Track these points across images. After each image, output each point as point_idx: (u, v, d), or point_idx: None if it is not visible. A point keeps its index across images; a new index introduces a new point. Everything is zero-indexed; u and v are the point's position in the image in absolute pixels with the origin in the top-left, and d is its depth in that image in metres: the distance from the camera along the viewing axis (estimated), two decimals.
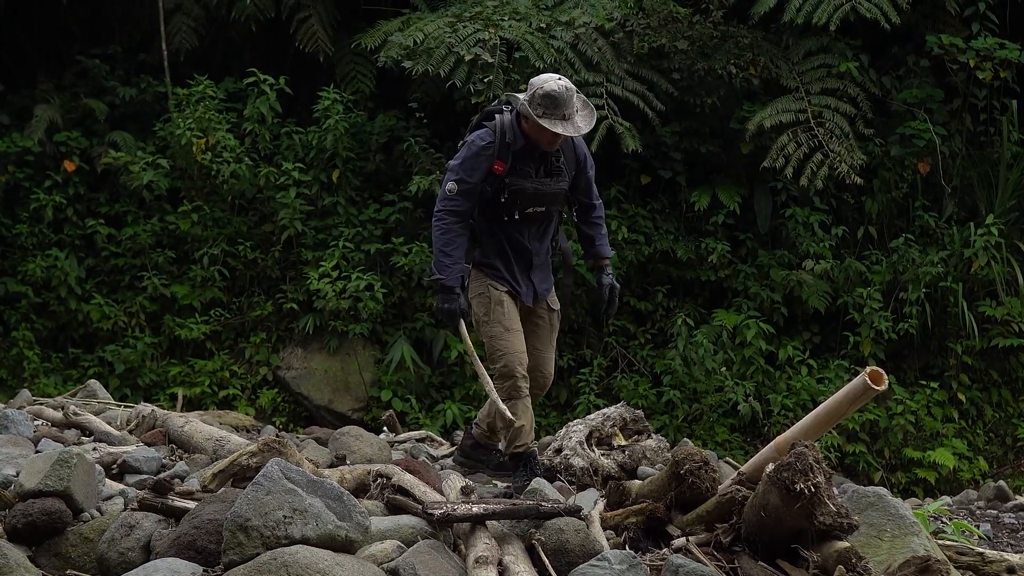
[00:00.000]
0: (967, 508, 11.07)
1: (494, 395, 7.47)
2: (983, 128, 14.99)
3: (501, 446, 8.13)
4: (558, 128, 7.12)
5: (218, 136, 15.02)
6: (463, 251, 7.34)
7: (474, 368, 7.80)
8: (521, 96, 7.28)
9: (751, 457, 13.76)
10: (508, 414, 7.44)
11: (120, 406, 11.17)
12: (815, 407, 14.21)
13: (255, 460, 6.97)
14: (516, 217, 7.38)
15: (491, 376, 7.29)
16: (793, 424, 13.84)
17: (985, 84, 14.60)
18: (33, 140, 15.36)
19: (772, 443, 6.40)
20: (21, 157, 15.42)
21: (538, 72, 13.89)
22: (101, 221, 15.36)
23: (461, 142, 7.50)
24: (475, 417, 8.58)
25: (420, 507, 6.53)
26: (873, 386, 5.89)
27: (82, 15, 16.97)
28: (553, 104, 7.11)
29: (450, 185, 7.29)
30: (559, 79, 7.23)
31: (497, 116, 7.37)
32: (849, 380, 13.79)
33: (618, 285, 7.83)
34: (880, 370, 5.95)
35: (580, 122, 7.22)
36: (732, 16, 14.66)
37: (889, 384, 6.26)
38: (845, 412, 6.23)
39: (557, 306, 7.76)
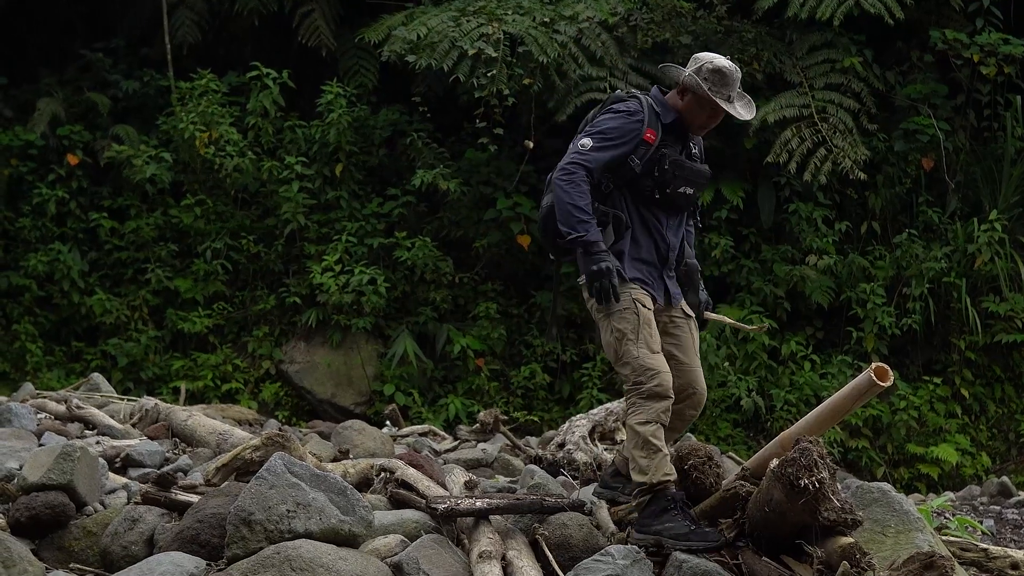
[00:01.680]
0: (970, 504, 11.08)
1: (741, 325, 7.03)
2: (987, 124, 14.96)
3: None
4: (733, 110, 6.46)
5: (221, 130, 15.02)
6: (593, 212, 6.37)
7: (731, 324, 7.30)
8: (685, 69, 6.52)
9: (754, 452, 13.79)
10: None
11: (123, 400, 11.18)
12: (818, 402, 14.20)
13: (258, 454, 6.98)
14: (667, 193, 6.47)
15: (641, 396, 6.23)
16: (796, 420, 13.88)
17: (989, 79, 14.57)
18: (36, 134, 15.39)
19: (776, 439, 6.37)
20: (24, 151, 15.44)
21: (541, 67, 14.00)
22: (104, 215, 15.37)
23: (586, 121, 6.62)
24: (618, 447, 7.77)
25: (424, 501, 6.54)
26: (879, 382, 5.84)
27: (85, 9, 17.00)
28: (722, 81, 6.44)
29: (584, 140, 6.36)
30: (727, 57, 6.60)
31: (638, 98, 6.53)
32: (852, 376, 13.79)
33: (710, 301, 7.03)
34: (885, 366, 5.89)
35: (742, 108, 6.55)
36: (736, 11, 14.64)
37: (893, 380, 6.18)
38: (850, 408, 6.18)
39: (692, 313, 6.76)
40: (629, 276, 6.35)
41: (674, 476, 6.23)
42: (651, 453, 6.18)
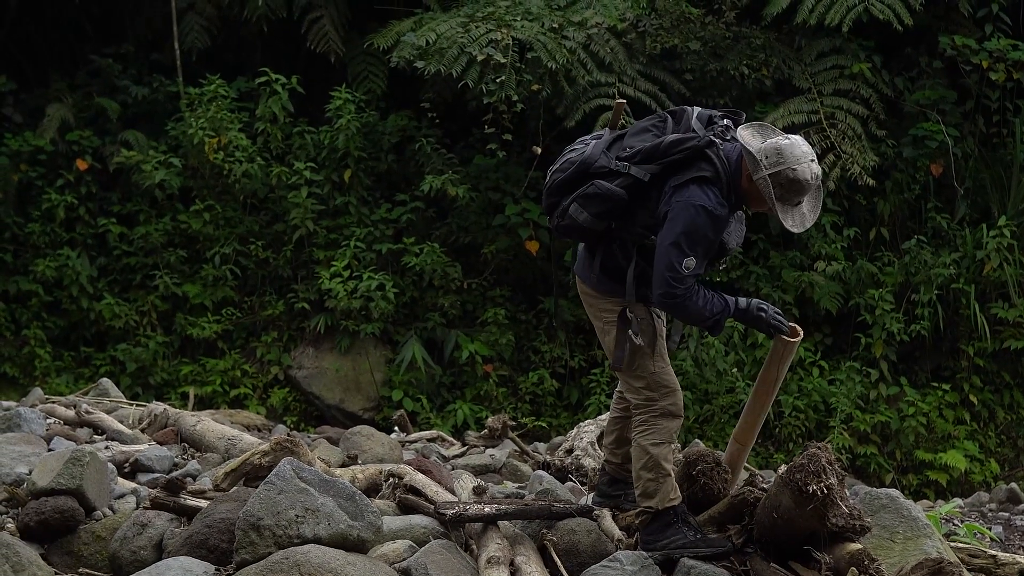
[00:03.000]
0: (978, 510, 11.06)
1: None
2: (996, 130, 14.95)
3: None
4: (788, 221, 5.99)
5: (230, 135, 15.04)
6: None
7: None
8: (762, 159, 5.91)
9: (762, 459, 13.80)
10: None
11: (132, 405, 11.18)
12: (827, 409, 14.22)
13: (267, 459, 6.99)
14: (716, 266, 6.33)
15: (653, 415, 6.19)
16: (804, 427, 13.87)
17: (998, 85, 14.56)
18: (45, 139, 15.40)
19: (731, 436, 6.57)
20: (33, 156, 15.45)
21: (550, 73, 13.99)
22: (113, 220, 15.39)
23: (676, 195, 5.97)
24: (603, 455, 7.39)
25: (432, 507, 6.54)
26: (790, 339, 6.12)
27: (95, 14, 17.00)
28: (796, 191, 5.94)
29: (688, 261, 5.87)
30: (813, 159, 5.97)
31: (715, 164, 6.00)
32: (861, 383, 13.77)
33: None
34: (794, 325, 6.18)
35: (801, 219, 6.06)
36: (744, 17, 14.64)
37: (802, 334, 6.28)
38: (776, 375, 6.30)
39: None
40: (640, 295, 6.20)
41: (679, 499, 6.18)
42: (660, 477, 6.14)
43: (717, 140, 6.06)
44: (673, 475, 6.19)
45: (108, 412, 10.29)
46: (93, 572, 6.43)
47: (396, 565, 5.88)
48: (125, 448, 8.57)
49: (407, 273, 14.87)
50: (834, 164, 13.79)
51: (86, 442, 8.87)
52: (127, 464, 8.15)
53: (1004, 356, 14.34)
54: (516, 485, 8.73)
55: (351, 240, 14.83)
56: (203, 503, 6.60)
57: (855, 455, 13.81)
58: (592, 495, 6.88)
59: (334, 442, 10.53)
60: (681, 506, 6.16)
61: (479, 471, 9.52)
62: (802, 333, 6.18)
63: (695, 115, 6.22)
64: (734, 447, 6.56)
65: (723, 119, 6.22)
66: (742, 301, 6.14)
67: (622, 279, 6.21)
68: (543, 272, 15.13)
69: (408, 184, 15.43)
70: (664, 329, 6.32)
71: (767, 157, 5.90)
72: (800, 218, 6.02)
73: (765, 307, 6.14)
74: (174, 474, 7.70)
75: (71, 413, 10.00)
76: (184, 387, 14.53)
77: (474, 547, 6.23)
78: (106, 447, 8.59)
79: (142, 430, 9.83)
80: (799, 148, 5.93)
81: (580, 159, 6.30)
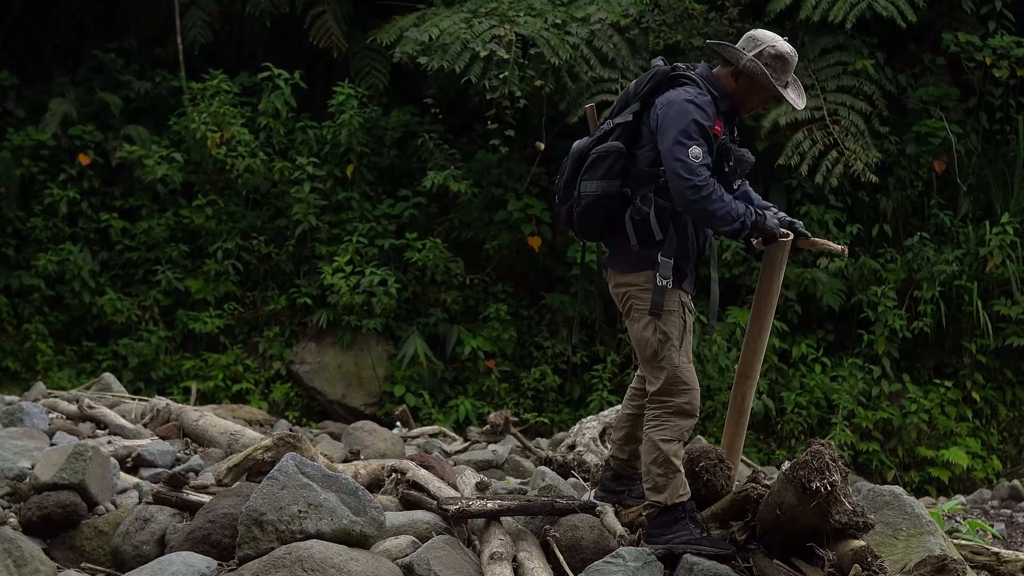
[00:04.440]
0: (981, 507, 11.08)
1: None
2: (999, 126, 14.93)
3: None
4: (790, 95, 6.18)
5: (233, 130, 15.04)
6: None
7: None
8: (745, 51, 6.14)
9: (764, 455, 13.79)
10: None
11: (134, 400, 11.20)
12: (829, 406, 14.22)
13: (270, 454, 6.99)
14: (731, 187, 6.24)
15: (668, 411, 6.11)
16: (806, 423, 13.87)
17: (1001, 82, 14.55)
18: (48, 134, 15.41)
19: (736, 374, 6.62)
20: (36, 151, 15.47)
21: (553, 69, 14.00)
22: (115, 215, 15.40)
23: (659, 105, 6.09)
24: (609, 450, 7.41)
25: (435, 503, 6.54)
26: (784, 239, 6.25)
27: (97, 10, 17.03)
28: (783, 68, 6.14)
29: (695, 150, 5.90)
30: (785, 38, 6.24)
31: (693, 76, 6.15)
32: (863, 379, 13.75)
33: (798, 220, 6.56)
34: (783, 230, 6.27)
35: (796, 95, 6.26)
36: (748, 13, 14.63)
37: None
38: (776, 287, 6.53)
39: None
40: (678, 280, 6.18)
41: (688, 495, 6.15)
42: (670, 472, 6.11)
43: (681, 67, 6.24)
44: (683, 472, 6.16)
45: (110, 407, 10.31)
46: (96, 567, 6.44)
47: (399, 561, 5.87)
48: (127, 443, 8.58)
49: (409, 268, 14.87)
50: (837, 161, 13.79)
51: (88, 437, 8.88)
52: (129, 459, 8.16)
53: (1006, 353, 14.33)
54: (518, 481, 8.73)
55: (353, 235, 14.83)
56: (206, 498, 6.60)
57: (857, 452, 13.80)
58: (595, 491, 6.87)
59: (336, 437, 10.56)
60: (690, 503, 6.14)
61: (481, 467, 9.53)
62: (790, 234, 6.28)
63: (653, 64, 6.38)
64: (742, 385, 6.49)
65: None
66: (761, 215, 6.19)
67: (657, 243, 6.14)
68: (545, 268, 15.13)
69: (410, 180, 15.43)
70: (691, 325, 6.27)
71: (744, 45, 6.16)
72: (799, 93, 6.24)
73: (771, 211, 6.32)
74: (176, 469, 7.70)
75: (73, 408, 10.02)
76: (186, 382, 14.53)
77: (477, 543, 6.23)
78: (108, 442, 8.60)
79: (144, 425, 9.84)
80: (767, 31, 6.26)
81: (570, 153, 6.37)
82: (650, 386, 6.20)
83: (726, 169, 6.19)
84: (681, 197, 5.95)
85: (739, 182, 6.45)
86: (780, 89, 6.13)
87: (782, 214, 6.46)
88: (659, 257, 6.09)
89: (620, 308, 6.38)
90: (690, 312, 6.25)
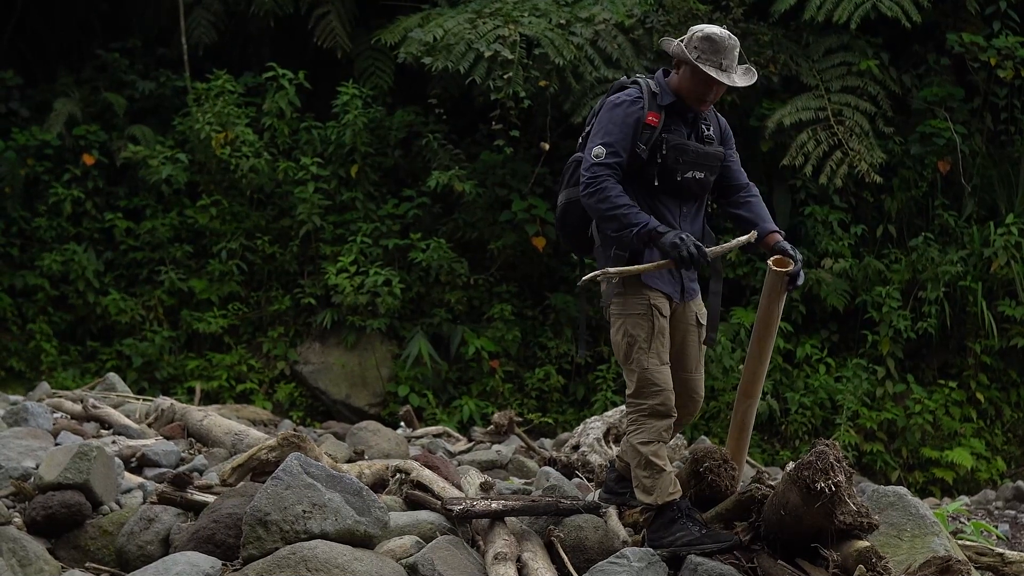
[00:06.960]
0: (985, 508, 11.07)
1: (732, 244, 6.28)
2: (1003, 127, 14.92)
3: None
4: (715, 74, 6.12)
5: (237, 131, 15.05)
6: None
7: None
8: (674, 41, 6.31)
9: (768, 455, 13.78)
10: None
11: (139, 399, 11.21)
12: (833, 406, 14.17)
13: (274, 455, 7.00)
14: (677, 180, 6.21)
15: (642, 414, 6.13)
16: (811, 424, 13.85)
17: (1006, 83, 14.53)
18: (52, 134, 15.42)
19: (738, 393, 6.59)
20: (40, 151, 15.48)
21: (557, 69, 14.00)
22: (119, 215, 15.41)
23: (593, 113, 6.45)
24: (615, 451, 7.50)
25: (439, 503, 6.54)
26: (780, 269, 6.18)
27: (102, 9, 17.05)
28: (712, 49, 6.15)
29: (596, 149, 6.11)
30: (722, 27, 6.33)
31: (639, 79, 6.39)
32: (868, 379, 13.73)
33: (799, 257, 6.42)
34: (780, 257, 6.23)
35: (738, 77, 6.23)
36: (752, 13, 14.61)
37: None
38: (775, 308, 6.36)
39: (704, 320, 6.50)
40: (653, 282, 6.19)
41: (679, 493, 6.14)
42: (654, 473, 6.11)
43: (642, 76, 6.45)
44: (671, 471, 6.16)
45: (115, 407, 10.33)
46: (100, 567, 6.43)
47: (403, 561, 5.87)
48: (132, 443, 8.59)
49: (413, 269, 14.88)
50: (841, 161, 13.78)
51: (93, 436, 8.89)
52: (134, 459, 8.17)
53: (1011, 354, 14.32)
54: (522, 481, 8.74)
55: (357, 235, 14.83)
56: (210, 498, 6.60)
57: (861, 452, 13.79)
58: (599, 491, 6.88)
59: (340, 437, 10.56)
60: (683, 501, 6.13)
61: (485, 467, 9.53)
62: (791, 264, 6.23)
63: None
64: (743, 403, 6.50)
65: None
66: (660, 226, 6.07)
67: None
68: (550, 268, 15.13)
69: (415, 180, 15.45)
70: (666, 327, 6.23)
71: (680, 39, 6.33)
72: (728, 77, 6.18)
73: (683, 239, 6.00)
74: (181, 469, 7.71)
75: (78, 407, 10.04)
76: (190, 382, 14.54)
77: (481, 543, 6.23)
78: (113, 442, 8.61)
79: (149, 425, 9.85)
80: (705, 24, 6.38)
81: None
82: (627, 390, 6.26)
83: (658, 160, 6.19)
84: (580, 187, 6.22)
85: (746, 189, 6.53)
86: (710, 69, 6.11)
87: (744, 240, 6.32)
88: (612, 251, 6.22)
89: (606, 313, 6.44)
90: (662, 315, 6.21)
